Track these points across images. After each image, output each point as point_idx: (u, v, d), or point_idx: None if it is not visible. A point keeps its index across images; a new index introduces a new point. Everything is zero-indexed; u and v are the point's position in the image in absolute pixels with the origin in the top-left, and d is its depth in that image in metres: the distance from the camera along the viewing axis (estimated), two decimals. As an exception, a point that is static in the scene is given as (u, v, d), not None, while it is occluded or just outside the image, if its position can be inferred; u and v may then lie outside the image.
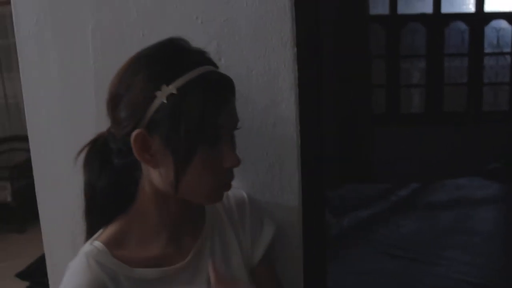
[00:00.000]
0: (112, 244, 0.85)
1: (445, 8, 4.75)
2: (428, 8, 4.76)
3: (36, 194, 1.23)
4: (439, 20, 4.75)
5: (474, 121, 4.68)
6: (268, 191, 1.08)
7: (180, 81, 0.78)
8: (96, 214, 0.89)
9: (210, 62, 0.84)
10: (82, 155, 0.91)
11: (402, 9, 4.77)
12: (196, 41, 0.87)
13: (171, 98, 0.77)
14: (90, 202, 0.89)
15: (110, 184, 0.87)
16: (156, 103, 0.78)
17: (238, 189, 1.02)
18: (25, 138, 1.24)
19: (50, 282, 1.27)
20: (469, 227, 3.20)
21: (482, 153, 4.21)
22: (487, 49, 4.80)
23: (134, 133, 0.79)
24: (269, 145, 1.07)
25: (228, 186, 0.87)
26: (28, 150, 1.23)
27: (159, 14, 1.09)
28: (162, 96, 0.77)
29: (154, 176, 0.83)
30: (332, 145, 4.24)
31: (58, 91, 1.16)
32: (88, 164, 0.89)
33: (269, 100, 1.06)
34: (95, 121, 1.15)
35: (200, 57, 0.83)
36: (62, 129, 1.18)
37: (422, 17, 4.77)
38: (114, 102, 0.83)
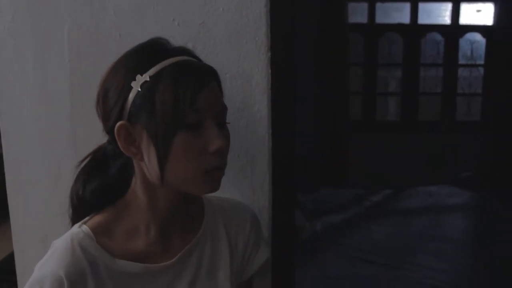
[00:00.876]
0: (99, 231, 0.86)
1: (422, 19, 4.84)
2: (406, 19, 4.84)
3: (7, 191, 1.23)
4: (415, 31, 4.84)
5: (448, 130, 4.78)
6: (239, 192, 1.10)
7: (153, 70, 0.80)
8: (84, 216, 0.89)
9: (189, 55, 0.86)
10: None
11: (380, 18, 4.84)
12: (172, 42, 0.88)
13: (145, 86, 0.79)
14: (78, 205, 0.89)
15: (103, 186, 0.88)
16: (133, 93, 0.80)
17: (244, 205, 1.04)
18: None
19: (18, 280, 1.27)
20: (440, 234, 3.26)
21: (454, 162, 4.30)
22: (461, 61, 4.90)
23: (116, 126, 0.81)
24: (241, 146, 1.09)
25: (219, 173, 0.85)
26: (-1, 146, 1.23)
27: (136, 15, 1.10)
28: (137, 85, 0.80)
29: (145, 170, 0.84)
30: (308, 150, 4.28)
31: (32, 88, 1.17)
32: (84, 171, 0.90)
33: (242, 102, 1.08)
34: (69, 119, 1.16)
35: (178, 51, 0.85)
36: (36, 126, 1.18)
37: (399, 27, 4.85)
38: (101, 101, 0.85)
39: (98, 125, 0.92)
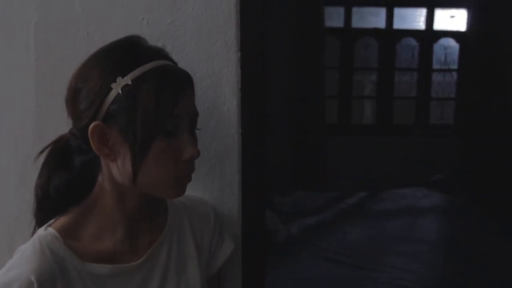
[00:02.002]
0: (66, 233, 0.84)
1: (397, 24, 4.90)
2: (381, 23, 4.90)
3: (-29, 192, 1.20)
4: (391, 35, 4.90)
5: (422, 133, 4.84)
6: (208, 193, 1.09)
7: (135, 73, 0.80)
8: (49, 212, 0.88)
9: (167, 58, 0.86)
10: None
11: (356, 23, 4.89)
12: (149, 41, 0.88)
13: (126, 89, 0.79)
14: (42, 201, 0.88)
15: (67, 182, 0.87)
16: (112, 95, 0.79)
17: (204, 200, 1.05)
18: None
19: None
20: (412, 236, 3.30)
21: (427, 165, 4.36)
22: (435, 65, 4.98)
23: (91, 126, 0.80)
24: (210, 147, 1.08)
25: (187, 179, 0.87)
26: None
27: (104, 13, 1.09)
28: (117, 87, 0.79)
29: (114, 170, 0.84)
30: (284, 153, 4.29)
31: (-2, 86, 1.15)
32: (46, 164, 0.88)
33: (212, 102, 1.07)
34: (35, 117, 1.14)
35: (157, 52, 0.85)
36: (1, 125, 1.16)
37: (375, 31, 4.91)
38: (72, 97, 0.83)
39: (65, 123, 0.90)
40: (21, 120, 1.15)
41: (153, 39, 1.05)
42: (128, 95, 0.79)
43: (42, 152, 0.89)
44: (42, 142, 1.09)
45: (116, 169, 0.83)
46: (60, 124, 0.91)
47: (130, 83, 0.79)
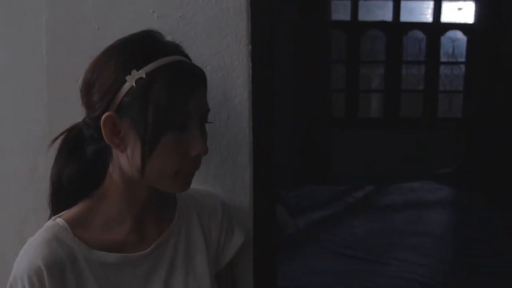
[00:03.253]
0: (74, 223, 0.86)
1: (404, 17, 4.87)
2: (388, 16, 4.88)
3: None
4: (398, 28, 4.87)
5: (429, 127, 4.82)
6: (219, 185, 1.09)
7: (150, 67, 0.81)
8: (62, 200, 0.90)
9: (182, 53, 0.88)
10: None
11: (363, 16, 4.87)
12: (165, 36, 0.88)
13: (140, 82, 0.80)
14: (57, 189, 0.90)
15: (80, 171, 0.89)
16: (125, 87, 0.81)
17: (213, 194, 1.05)
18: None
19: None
20: (420, 229, 3.30)
21: (435, 158, 4.34)
22: (443, 58, 4.95)
23: (104, 116, 0.82)
24: (222, 139, 1.09)
25: (190, 175, 0.88)
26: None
27: (115, 7, 1.09)
28: (131, 80, 0.80)
29: (123, 161, 0.85)
30: (291, 147, 4.30)
31: (9, 81, 1.15)
32: (61, 151, 0.90)
33: (223, 95, 1.07)
34: (46, 112, 1.15)
35: (173, 48, 0.86)
36: (11, 120, 1.17)
37: (382, 24, 4.88)
38: (87, 87, 0.85)
39: (75, 118, 0.91)
40: (31, 115, 1.15)
41: (163, 33, 1.04)
42: (142, 88, 0.80)
43: (56, 139, 0.90)
44: (52, 137, 1.10)
45: (126, 160, 0.84)
46: (71, 118, 0.92)
47: (144, 76, 0.80)
